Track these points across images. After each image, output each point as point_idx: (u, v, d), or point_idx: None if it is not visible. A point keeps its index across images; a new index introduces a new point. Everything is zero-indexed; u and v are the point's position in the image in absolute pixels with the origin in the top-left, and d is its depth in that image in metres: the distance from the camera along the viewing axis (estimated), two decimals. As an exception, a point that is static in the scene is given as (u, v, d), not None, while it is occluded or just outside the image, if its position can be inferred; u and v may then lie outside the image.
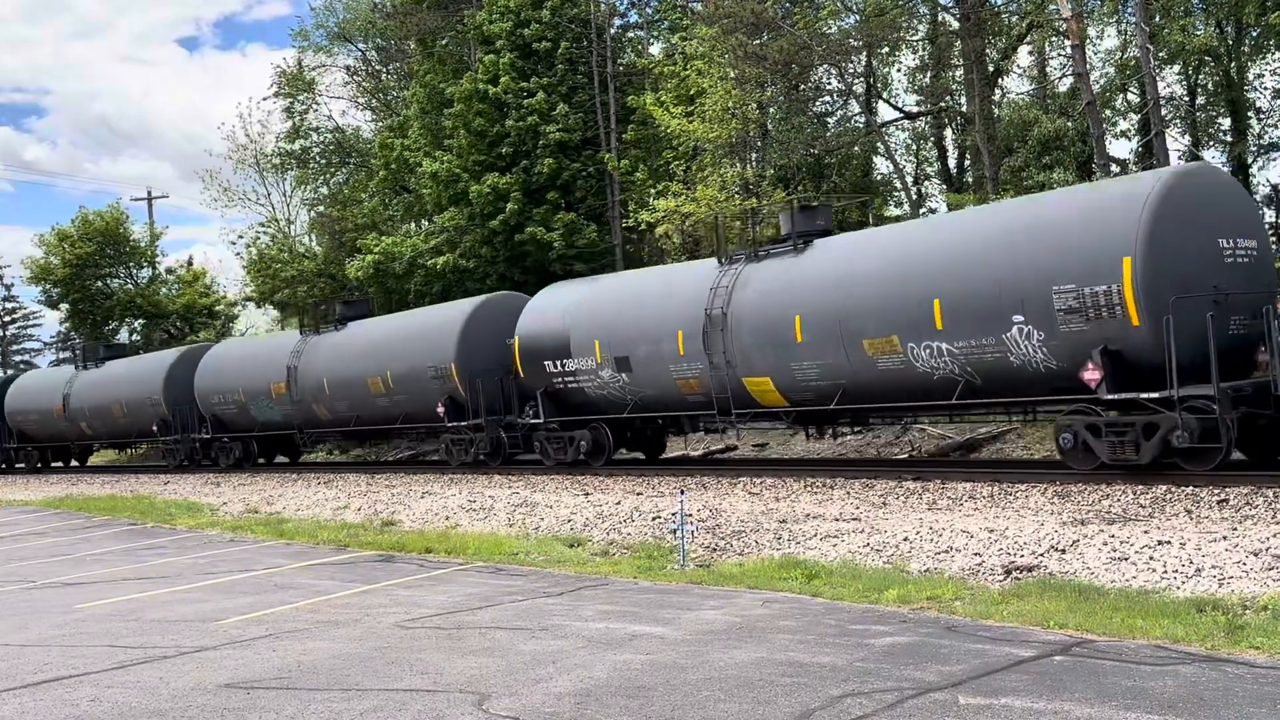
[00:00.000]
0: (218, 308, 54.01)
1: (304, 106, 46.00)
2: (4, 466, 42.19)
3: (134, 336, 53.25)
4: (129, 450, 43.15)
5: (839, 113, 33.39)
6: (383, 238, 36.45)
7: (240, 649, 9.14)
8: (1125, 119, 29.77)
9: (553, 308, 22.32)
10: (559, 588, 11.41)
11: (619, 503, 16.40)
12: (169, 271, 55.33)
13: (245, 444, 31.14)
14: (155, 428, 33.42)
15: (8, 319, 66.71)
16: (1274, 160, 29.48)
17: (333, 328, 28.45)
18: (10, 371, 56.49)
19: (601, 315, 21.13)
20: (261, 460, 32.04)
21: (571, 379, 21.46)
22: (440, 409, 23.59)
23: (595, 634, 8.95)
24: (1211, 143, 29.33)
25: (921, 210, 32.85)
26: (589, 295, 21.92)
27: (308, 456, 35.96)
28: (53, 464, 41.68)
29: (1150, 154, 24.41)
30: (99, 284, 52.14)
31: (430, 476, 23.69)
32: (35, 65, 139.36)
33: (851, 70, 31.22)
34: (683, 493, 14.28)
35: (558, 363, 21.60)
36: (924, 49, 31.63)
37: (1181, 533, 10.70)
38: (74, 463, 42.56)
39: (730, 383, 18.50)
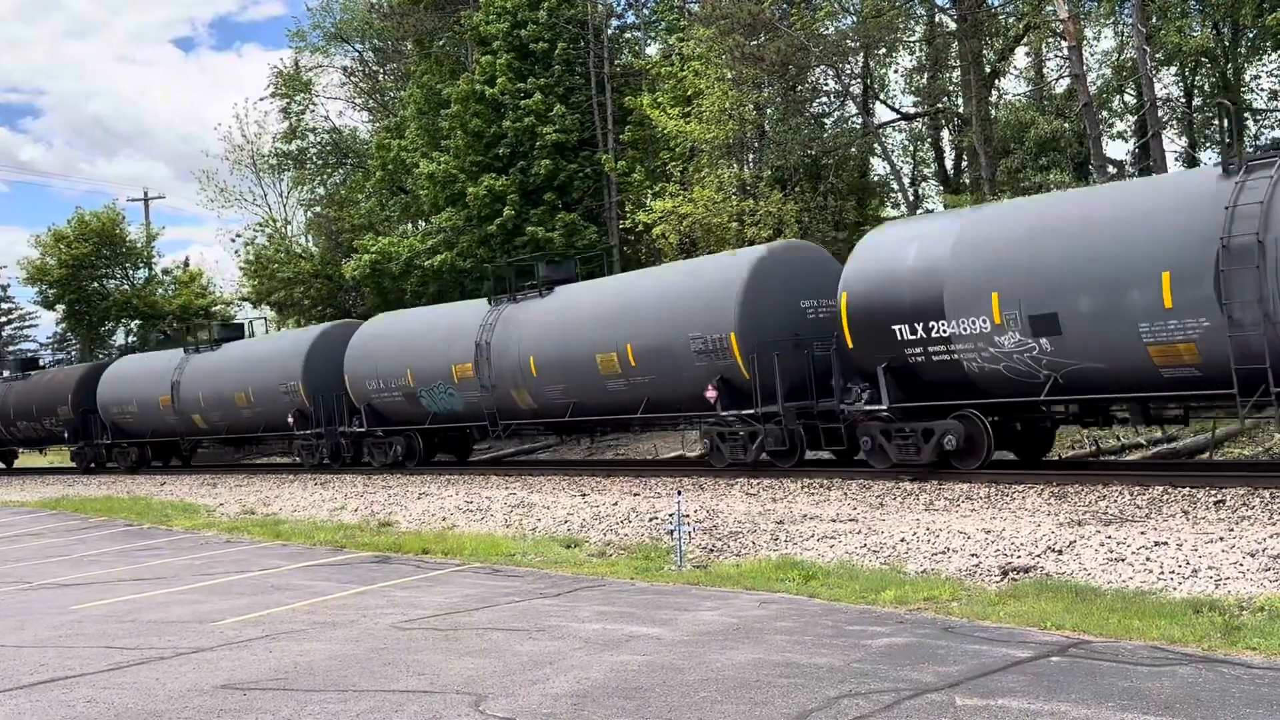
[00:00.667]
0: (214, 308, 54.04)
1: (301, 107, 46.05)
2: (93, 466, 36.71)
3: (130, 337, 53.21)
4: (248, 446, 36.02)
5: (836, 113, 33.46)
6: (379, 238, 36.47)
7: (237, 650, 9.13)
8: (1122, 120, 29.86)
9: (906, 251, 16.24)
10: (556, 589, 11.41)
11: (616, 503, 16.39)
12: (165, 272, 55.36)
13: (409, 439, 25.56)
14: (291, 420, 27.74)
15: (4, 320, 66.66)
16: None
17: (535, 294, 22.79)
18: (107, 355, 50.40)
19: (1005, 257, 15.04)
20: (402, 460, 26.17)
21: (940, 349, 15.63)
22: (711, 393, 18.47)
23: (592, 635, 8.95)
24: (1208, 144, 29.39)
25: (919, 211, 32.87)
26: (973, 230, 15.79)
27: (477, 453, 29.52)
28: (153, 463, 35.58)
29: (1147, 155, 24.46)
30: (95, 284, 52.17)
31: (427, 477, 23.66)
32: (30, 65, 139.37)
33: (849, 71, 31.26)
34: (680, 493, 14.27)
35: (918, 327, 15.75)
36: (921, 50, 31.69)
37: (1178, 534, 10.71)
38: (176, 462, 36.35)
39: (1271, 348, 12.80)
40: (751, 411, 18.03)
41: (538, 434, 26.96)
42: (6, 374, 41.62)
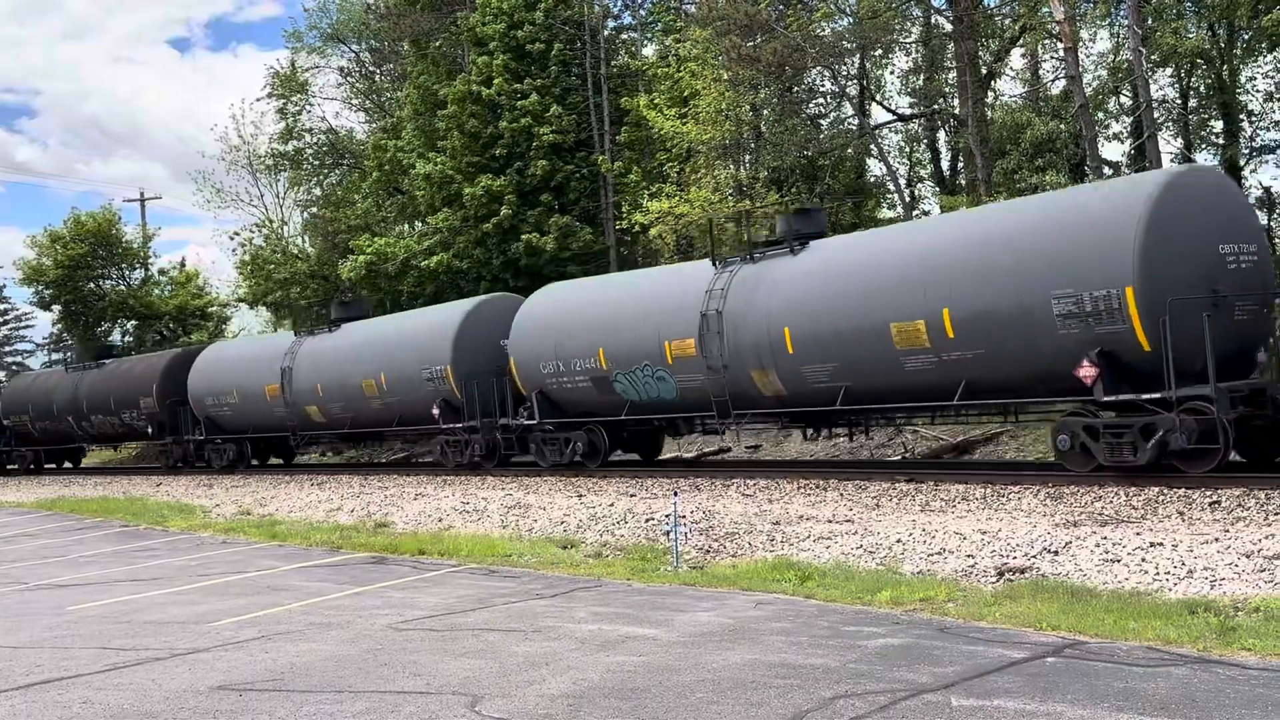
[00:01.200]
0: (211, 309, 53.97)
1: (297, 108, 46.03)
2: (180, 465, 32.54)
3: (126, 338, 53.12)
4: (365, 445, 31.30)
5: (832, 115, 33.48)
6: (375, 239, 36.45)
7: (233, 651, 9.13)
8: (1118, 121, 29.88)
9: None
10: (552, 589, 11.41)
11: (612, 504, 16.39)
12: (161, 273, 55.29)
13: (592, 434, 21.22)
14: (436, 412, 23.52)
15: (0, 320, 66.52)
16: (1266, 163, 29.59)
17: (784, 251, 18.34)
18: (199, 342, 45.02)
19: None
20: (581, 459, 21.40)
21: None
22: (1087, 370, 13.96)
23: (588, 636, 8.95)
24: (1204, 145, 29.43)
25: (915, 213, 32.92)
26: None
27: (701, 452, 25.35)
28: (252, 461, 31.28)
29: (1143, 157, 24.50)
30: (91, 285, 52.07)
31: (423, 478, 23.64)
32: (26, 65, 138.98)
33: (845, 72, 31.28)
34: (676, 494, 14.28)
35: None
36: (917, 51, 31.72)
37: (1174, 534, 10.73)
38: (276, 460, 32.44)
39: None
40: (1158, 395, 13.47)
41: (779, 427, 21.37)
42: (76, 363, 38.29)
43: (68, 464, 42.00)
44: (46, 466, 41.58)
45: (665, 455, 24.59)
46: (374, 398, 25.41)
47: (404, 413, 24.91)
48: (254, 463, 31.18)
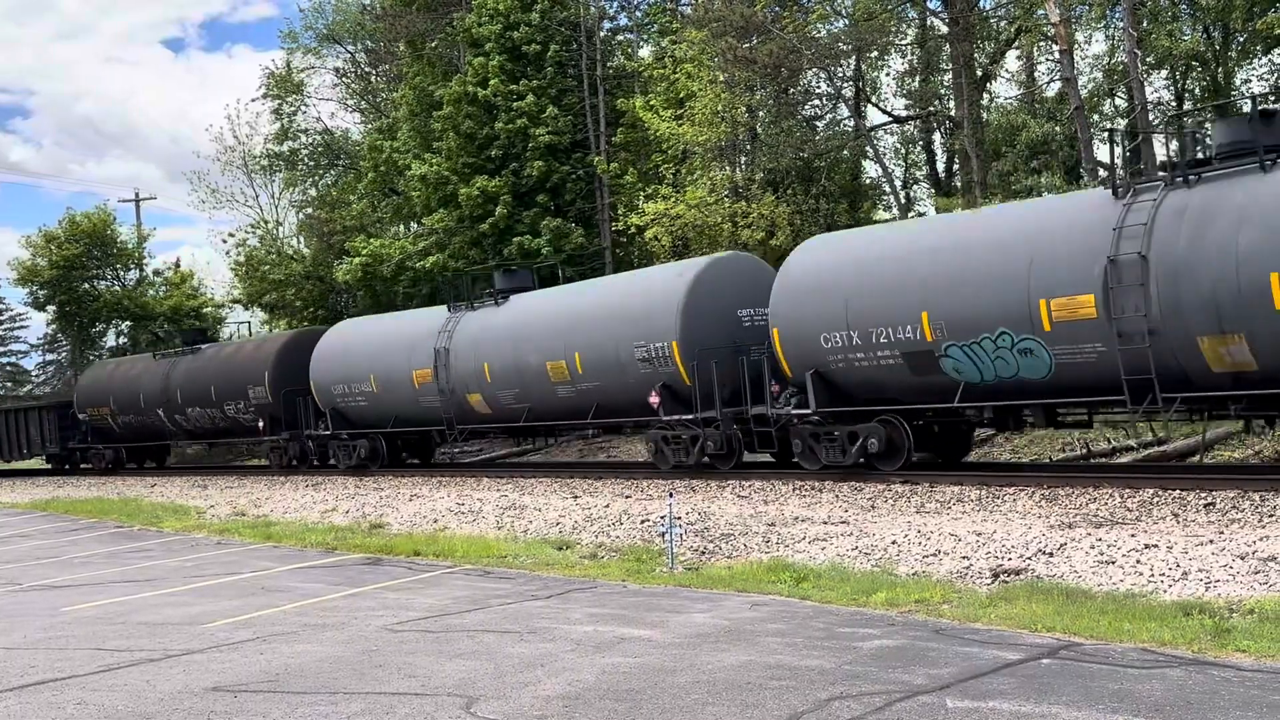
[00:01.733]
0: (205, 310, 53.87)
1: (292, 108, 46.00)
2: (295, 463, 28.50)
3: (121, 339, 53.04)
4: (536, 441, 26.57)
5: (828, 116, 33.52)
6: (371, 239, 36.42)
7: (227, 652, 9.12)
8: (1113, 123, 29.93)
9: None
10: (547, 590, 11.40)
11: (608, 505, 16.39)
12: (156, 273, 55.20)
13: (890, 427, 16.59)
14: (655, 400, 19.05)
15: (-5, 321, 66.36)
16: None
17: (1255, 165, 13.29)
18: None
19: None
20: (870, 460, 16.85)
21: None
22: None
23: (583, 637, 8.95)
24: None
25: (910, 214, 32.96)
26: None
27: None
28: (384, 462, 26.38)
29: (1138, 159, 24.53)
30: (86, 286, 51.97)
31: (419, 479, 23.61)
32: (19, 66, 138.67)
33: (840, 74, 31.31)
34: (671, 495, 14.27)
35: None
36: (913, 53, 31.77)
37: (1168, 536, 10.74)
38: (410, 459, 27.63)
39: None
40: None
41: (1219, 417, 15.31)
42: (170, 350, 34.54)
43: (150, 463, 37.00)
44: (128, 466, 36.52)
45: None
46: (562, 384, 21.02)
47: (604, 401, 20.50)
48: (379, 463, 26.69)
